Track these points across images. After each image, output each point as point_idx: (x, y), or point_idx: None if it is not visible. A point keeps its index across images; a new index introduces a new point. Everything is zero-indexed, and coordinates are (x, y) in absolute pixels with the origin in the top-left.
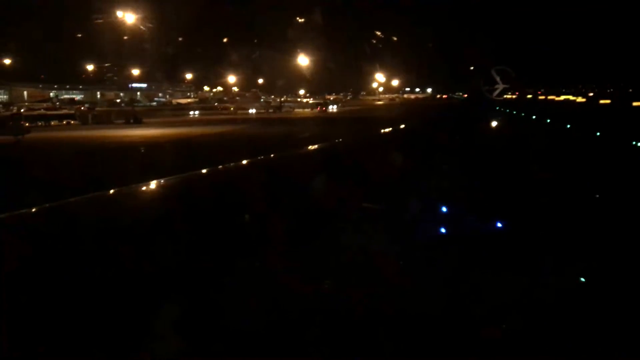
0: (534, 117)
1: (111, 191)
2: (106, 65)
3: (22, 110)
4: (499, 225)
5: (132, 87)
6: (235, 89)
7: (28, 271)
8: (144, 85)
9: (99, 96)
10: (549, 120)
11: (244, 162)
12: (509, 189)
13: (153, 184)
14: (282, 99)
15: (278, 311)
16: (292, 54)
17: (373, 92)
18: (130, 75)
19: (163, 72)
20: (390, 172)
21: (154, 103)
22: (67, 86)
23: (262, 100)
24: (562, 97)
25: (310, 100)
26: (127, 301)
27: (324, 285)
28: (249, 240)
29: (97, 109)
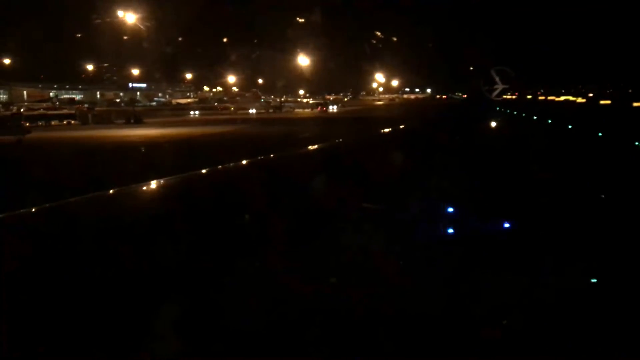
0: (534, 117)
1: (111, 191)
2: (106, 65)
3: (22, 110)
4: (499, 225)
5: (131, 87)
6: (235, 89)
7: (28, 271)
8: (144, 85)
9: (98, 96)
10: (550, 121)
11: (244, 162)
12: (509, 189)
13: (153, 184)
14: (282, 99)
15: (278, 311)
16: (292, 54)
17: (373, 92)
18: (130, 75)
19: (163, 72)
20: (390, 172)
21: (154, 103)
22: (67, 86)
23: (262, 100)
24: (562, 98)
25: (311, 101)
26: (127, 301)
27: (330, 282)
28: (249, 240)
29: (97, 108)
